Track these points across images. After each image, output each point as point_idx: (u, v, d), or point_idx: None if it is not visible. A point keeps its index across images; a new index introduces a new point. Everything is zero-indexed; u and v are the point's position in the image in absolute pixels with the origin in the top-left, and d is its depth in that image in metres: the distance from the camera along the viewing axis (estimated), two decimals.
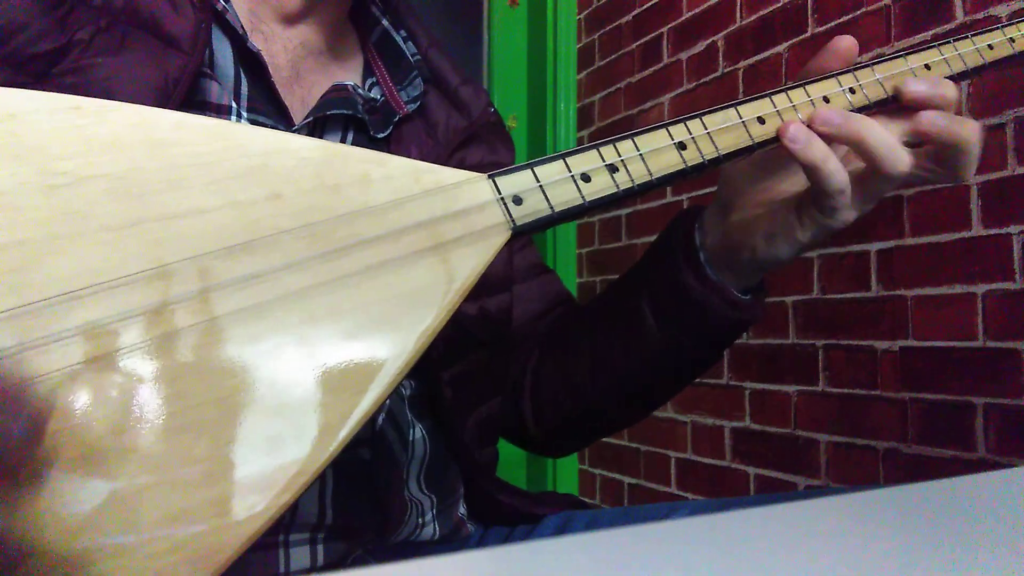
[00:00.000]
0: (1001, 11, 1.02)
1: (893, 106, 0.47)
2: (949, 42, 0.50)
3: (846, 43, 0.47)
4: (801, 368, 1.28)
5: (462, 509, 0.57)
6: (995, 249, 1.01)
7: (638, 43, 1.74)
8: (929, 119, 0.44)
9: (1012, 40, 0.51)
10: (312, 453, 0.31)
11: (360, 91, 0.55)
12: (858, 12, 1.22)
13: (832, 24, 1.26)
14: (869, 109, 0.47)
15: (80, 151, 0.32)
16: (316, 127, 0.52)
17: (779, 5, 1.37)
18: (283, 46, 0.54)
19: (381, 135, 0.54)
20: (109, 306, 0.30)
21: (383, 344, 0.33)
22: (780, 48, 1.36)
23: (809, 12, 1.31)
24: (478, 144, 0.61)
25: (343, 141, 0.53)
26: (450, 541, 0.54)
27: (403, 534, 0.50)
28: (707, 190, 1.50)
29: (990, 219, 1.02)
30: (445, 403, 0.53)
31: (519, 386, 0.62)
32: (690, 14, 1.59)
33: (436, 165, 0.38)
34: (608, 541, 0.20)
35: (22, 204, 0.30)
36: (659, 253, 0.53)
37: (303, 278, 0.33)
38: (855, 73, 0.47)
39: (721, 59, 1.50)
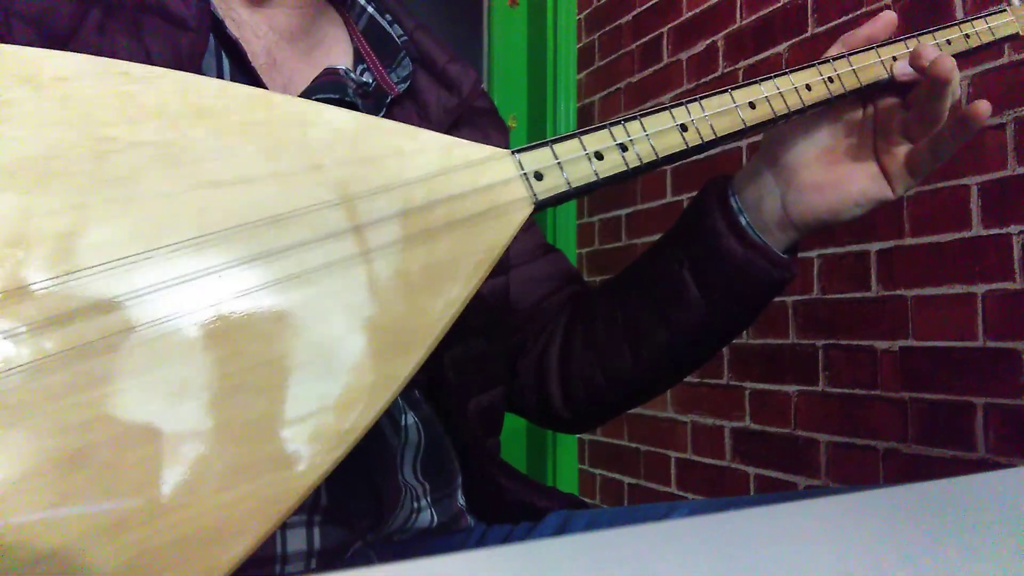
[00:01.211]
0: None
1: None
2: (914, 36, 0.54)
3: (889, 16, 0.53)
4: (801, 368, 1.28)
5: (461, 500, 0.57)
6: (995, 249, 1.02)
7: (638, 43, 1.74)
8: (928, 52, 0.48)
9: (967, 36, 0.56)
10: (359, 411, 0.33)
11: (352, 75, 0.55)
12: (858, 12, 1.22)
13: (832, 24, 1.26)
14: (845, 98, 0.51)
15: (129, 116, 0.32)
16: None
17: (779, 5, 1.37)
18: (253, 32, 0.54)
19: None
20: (161, 272, 0.31)
21: (419, 311, 0.35)
22: (780, 48, 1.36)
23: (809, 12, 1.31)
24: (472, 129, 0.61)
25: None
26: (449, 530, 0.54)
27: (399, 519, 0.51)
28: None
29: (990, 219, 1.02)
30: (448, 386, 0.53)
31: (544, 367, 0.62)
32: (690, 14, 1.59)
33: (463, 140, 0.39)
34: (608, 541, 0.20)
35: (74, 169, 0.31)
36: (695, 222, 0.55)
37: (344, 247, 0.34)
38: (834, 63, 0.51)
39: (721, 59, 1.50)
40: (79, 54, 0.33)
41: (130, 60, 0.44)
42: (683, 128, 0.45)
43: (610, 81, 1.82)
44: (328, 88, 0.52)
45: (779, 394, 1.32)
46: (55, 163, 0.30)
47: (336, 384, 0.32)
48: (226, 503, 0.29)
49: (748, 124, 0.47)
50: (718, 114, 0.46)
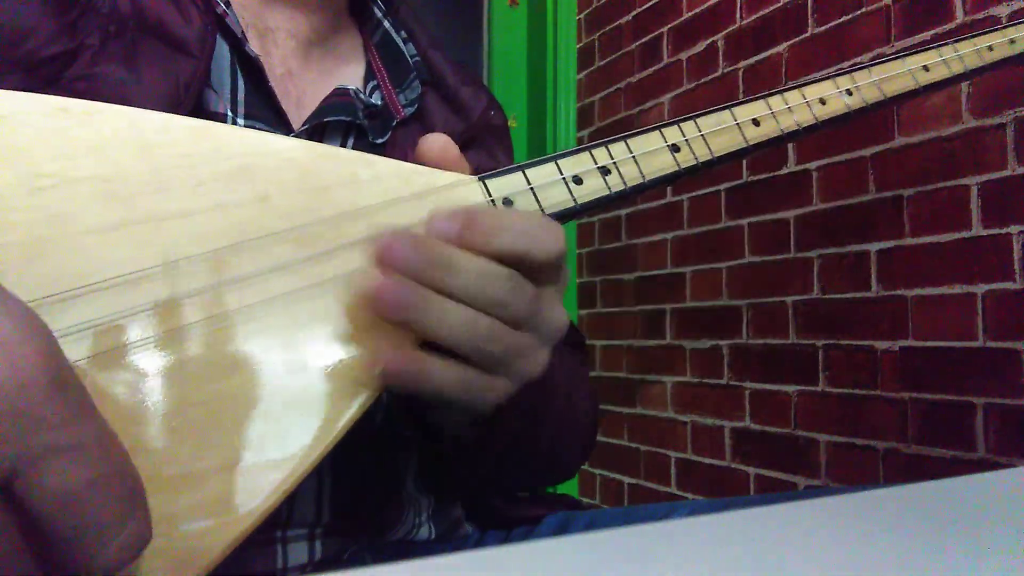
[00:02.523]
0: (1001, 11, 1.02)
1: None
2: (948, 43, 0.50)
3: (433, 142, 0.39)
4: (801, 368, 1.28)
5: (459, 509, 0.57)
6: (995, 249, 1.01)
7: (638, 43, 1.74)
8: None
9: (1013, 41, 0.51)
10: (298, 457, 0.30)
11: (361, 95, 0.54)
12: (858, 12, 1.22)
13: (832, 24, 1.26)
14: (866, 112, 0.47)
15: (66, 153, 0.31)
16: (315, 133, 0.51)
17: (779, 5, 1.37)
18: (273, 40, 0.53)
19: (380, 140, 0.54)
20: (94, 310, 0.29)
21: (371, 347, 0.33)
22: (780, 48, 1.36)
23: (809, 12, 1.31)
24: (477, 149, 0.60)
25: (343, 147, 0.52)
26: (448, 540, 0.54)
27: (400, 533, 0.50)
28: (706, 190, 1.50)
29: (990, 219, 1.02)
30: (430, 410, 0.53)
31: None
32: (690, 14, 1.59)
33: (425, 167, 0.37)
34: (608, 541, 0.20)
35: (8, 206, 0.29)
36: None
37: (291, 281, 0.32)
38: (852, 75, 0.47)
39: (721, 59, 1.50)
40: (17, 92, 0.32)
41: (122, 89, 0.43)
42: (675, 148, 0.42)
43: (610, 81, 1.82)
44: (338, 109, 0.51)
45: (779, 394, 1.32)
46: None
47: (273, 428, 0.30)
48: (143, 556, 0.26)
49: (752, 142, 0.44)
50: (716, 132, 0.43)
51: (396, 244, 0.32)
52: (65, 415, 0.23)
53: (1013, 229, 1.00)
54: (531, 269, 0.34)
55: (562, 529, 0.56)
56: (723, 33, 1.50)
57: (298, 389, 0.31)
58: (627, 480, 1.69)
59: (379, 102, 0.56)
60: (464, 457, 0.45)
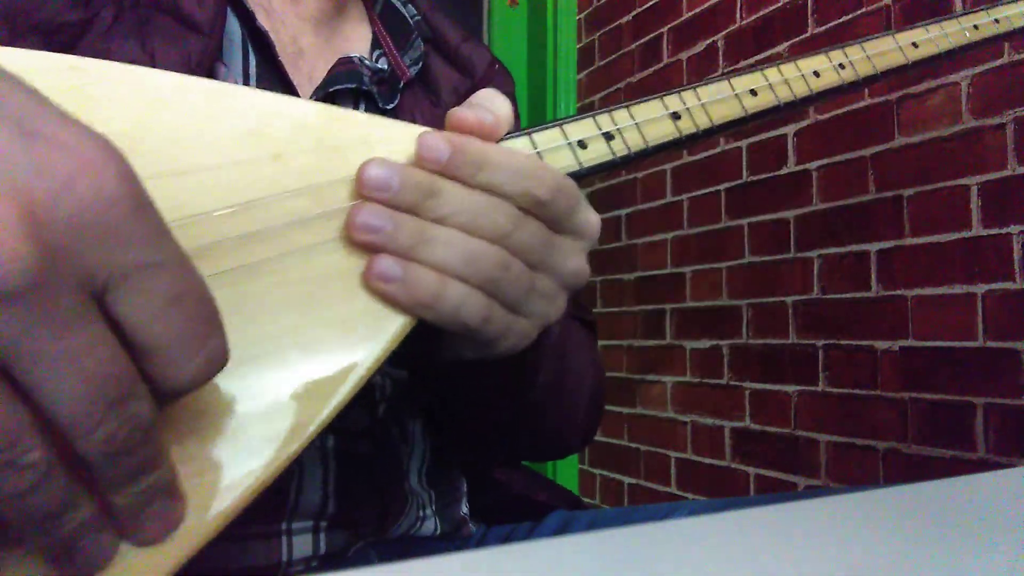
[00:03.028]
0: None
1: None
2: (936, 22, 0.51)
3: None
4: (801, 368, 1.28)
5: (464, 508, 0.57)
6: (995, 249, 1.02)
7: (638, 43, 1.74)
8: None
9: (997, 21, 0.53)
10: (313, 407, 0.31)
11: (367, 63, 0.54)
12: (858, 12, 1.22)
13: (832, 24, 1.26)
14: (858, 87, 0.49)
15: (81, 109, 0.30)
16: (325, 103, 0.51)
17: (779, 5, 1.37)
18: (281, 20, 0.54)
19: (390, 106, 0.54)
20: None
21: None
22: (780, 48, 1.36)
23: (809, 12, 1.31)
24: None
25: None
26: (451, 538, 0.54)
27: (403, 527, 0.51)
28: (708, 190, 1.50)
29: (990, 219, 1.02)
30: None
31: None
32: (690, 14, 1.59)
33: (435, 129, 0.38)
34: (608, 541, 0.20)
35: None
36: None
37: (306, 236, 0.33)
38: (845, 50, 0.49)
39: (721, 59, 1.50)
40: (31, 51, 0.32)
41: (133, 64, 0.44)
42: (676, 116, 0.43)
43: (610, 81, 1.82)
44: (343, 78, 0.51)
45: (779, 394, 1.32)
46: None
47: (289, 378, 0.31)
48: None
49: (750, 112, 0.45)
50: (716, 102, 0.44)
51: (374, 168, 0.33)
52: (149, 233, 0.24)
53: (1013, 229, 1.00)
54: (533, 206, 0.35)
55: (563, 529, 0.56)
56: (723, 33, 1.50)
57: (312, 339, 0.32)
58: (627, 480, 1.69)
59: (386, 68, 0.56)
60: (470, 414, 0.46)
